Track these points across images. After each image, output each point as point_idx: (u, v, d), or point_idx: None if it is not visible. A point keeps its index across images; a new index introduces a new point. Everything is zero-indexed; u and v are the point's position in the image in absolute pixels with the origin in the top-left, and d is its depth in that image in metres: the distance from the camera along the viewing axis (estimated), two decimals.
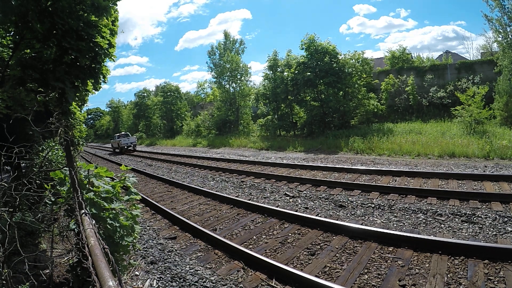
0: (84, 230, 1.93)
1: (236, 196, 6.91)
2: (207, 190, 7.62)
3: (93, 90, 6.29)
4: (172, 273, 3.69)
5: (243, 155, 14.85)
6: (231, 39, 28.56)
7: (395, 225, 4.56)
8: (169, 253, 4.29)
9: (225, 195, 6.99)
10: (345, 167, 8.62)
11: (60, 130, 2.79)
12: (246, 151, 17.14)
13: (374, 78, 21.69)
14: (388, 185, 6.39)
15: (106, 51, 5.56)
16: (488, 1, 14.29)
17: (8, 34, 5.19)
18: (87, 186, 2.94)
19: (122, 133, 29.41)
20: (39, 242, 4.08)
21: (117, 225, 2.77)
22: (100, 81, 5.98)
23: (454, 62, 21.24)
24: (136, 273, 3.75)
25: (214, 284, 3.34)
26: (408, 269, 3.28)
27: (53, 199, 3.28)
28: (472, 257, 3.32)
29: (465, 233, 4.05)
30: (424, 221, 4.58)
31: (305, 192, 6.80)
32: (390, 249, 3.77)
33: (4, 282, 2.23)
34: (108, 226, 2.70)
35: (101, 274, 1.28)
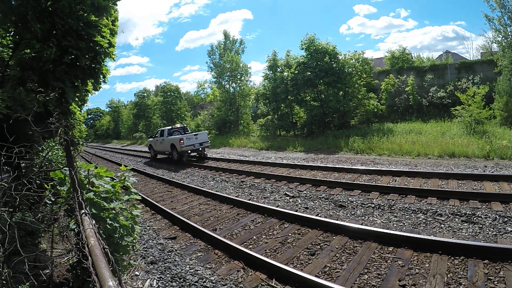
0: (84, 230, 1.92)
1: (236, 196, 6.91)
2: (207, 190, 7.62)
3: (93, 90, 6.30)
4: (172, 273, 3.69)
5: (243, 155, 14.84)
6: (231, 39, 28.54)
7: (395, 225, 4.56)
8: (169, 253, 4.29)
9: (225, 195, 6.99)
10: (345, 167, 8.62)
11: (60, 130, 2.79)
12: (246, 151, 17.13)
13: (374, 78, 21.68)
14: (388, 185, 6.39)
15: (106, 50, 5.57)
16: (489, 1, 14.30)
17: (8, 34, 5.19)
18: (87, 186, 2.94)
19: (177, 125, 15.82)
20: (39, 242, 4.08)
21: (117, 225, 2.77)
22: (100, 81, 5.98)
23: (454, 62, 21.25)
24: (136, 273, 3.75)
25: (214, 284, 3.34)
26: (408, 269, 3.28)
27: (53, 199, 3.28)
28: (472, 257, 3.32)
29: (465, 233, 4.05)
30: (424, 221, 4.58)
31: (305, 192, 6.80)
32: (390, 249, 3.77)
33: (4, 282, 2.23)
34: (108, 226, 2.70)
35: (101, 274, 1.28)
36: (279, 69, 20.90)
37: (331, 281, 3.20)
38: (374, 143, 12.11)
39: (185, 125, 17.15)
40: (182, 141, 12.85)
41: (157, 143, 15.55)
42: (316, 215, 5.09)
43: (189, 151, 13.36)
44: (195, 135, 13.65)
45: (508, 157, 8.48)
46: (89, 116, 69.29)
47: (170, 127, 15.40)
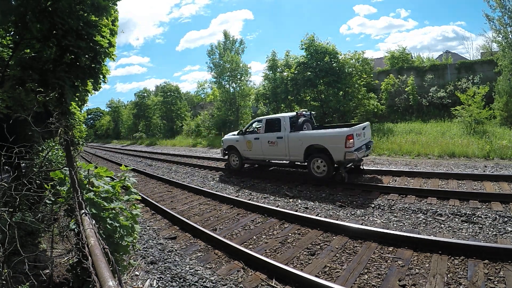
0: (84, 230, 1.92)
1: (236, 196, 6.91)
2: (207, 190, 7.62)
3: (93, 90, 6.30)
4: (172, 273, 3.69)
5: None
6: (230, 39, 28.54)
7: (395, 225, 4.55)
8: (169, 253, 4.29)
9: (225, 195, 6.98)
10: None
11: (60, 130, 2.79)
12: None
13: (374, 78, 21.69)
14: (388, 185, 6.39)
15: (106, 50, 5.58)
16: (489, 1, 14.31)
17: (8, 34, 5.20)
18: (87, 186, 2.94)
19: (302, 111, 8.65)
20: (39, 242, 4.08)
21: (117, 225, 2.77)
22: (100, 81, 5.99)
23: (454, 62, 21.27)
24: (136, 273, 3.74)
25: (214, 284, 3.34)
26: (408, 269, 3.28)
27: (53, 199, 3.28)
28: (472, 257, 3.32)
29: (465, 233, 4.05)
30: (424, 221, 4.58)
31: (305, 192, 6.80)
32: (390, 249, 3.77)
33: (4, 282, 2.23)
34: (108, 226, 2.70)
35: (101, 274, 1.28)
36: (279, 69, 20.91)
37: (331, 281, 3.20)
38: (374, 143, 12.11)
39: (307, 110, 9.50)
40: (351, 141, 6.55)
41: (255, 145, 8.79)
42: (316, 215, 5.09)
43: (356, 158, 6.65)
44: (363, 128, 7.38)
45: (508, 157, 8.48)
46: (89, 116, 69.31)
47: (294, 113, 8.51)
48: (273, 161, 8.94)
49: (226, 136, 10.34)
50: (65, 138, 2.75)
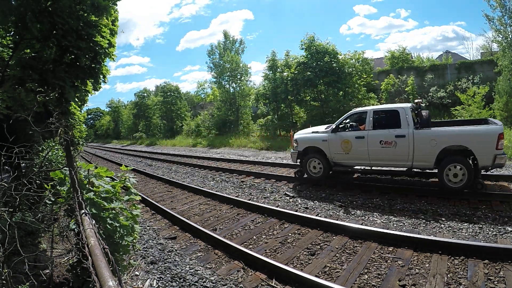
0: (84, 230, 1.92)
1: (236, 196, 6.91)
2: (207, 190, 7.62)
3: (93, 90, 6.31)
4: (172, 273, 3.69)
5: (243, 155, 14.85)
6: (230, 39, 28.54)
7: (395, 225, 4.56)
8: (169, 253, 4.29)
9: (225, 195, 6.98)
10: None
11: (60, 130, 2.79)
12: (246, 151, 17.14)
13: (374, 78, 21.67)
14: (388, 185, 6.39)
15: (106, 50, 5.58)
16: (490, 0, 14.30)
17: (8, 34, 5.20)
18: (87, 186, 2.94)
19: (418, 100, 6.63)
20: (39, 242, 4.08)
21: (117, 225, 2.77)
22: (100, 81, 5.99)
23: (454, 62, 21.27)
24: (136, 273, 3.75)
25: (214, 284, 3.34)
26: (408, 269, 3.28)
27: (53, 199, 3.28)
28: (472, 257, 3.32)
29: (465, 233, 4.05)
30: (424, 221, 4.58)
31: (305, 192, 6.80)
32: (390, 249, 3.77)
33: (4, 282, 2.23)
34: (108, 226, 2.70)
35: (101, 274, 1.28)
36: (278, 70, 20.92)
37: (331, 281, 3.20)
38: None
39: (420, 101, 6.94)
40: (503, 141, 5.41)
41: (356, 146, 6.63)
42: (316, 215, 5.09)
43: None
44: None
45: (508, 157, 8.47)
46: (89, 116, 69.25)
47: (411, 104, 6.55)
48: (376, 168, 7.04)
49: (301, 134, 7.78)
50: (65, 138, 2.75)
